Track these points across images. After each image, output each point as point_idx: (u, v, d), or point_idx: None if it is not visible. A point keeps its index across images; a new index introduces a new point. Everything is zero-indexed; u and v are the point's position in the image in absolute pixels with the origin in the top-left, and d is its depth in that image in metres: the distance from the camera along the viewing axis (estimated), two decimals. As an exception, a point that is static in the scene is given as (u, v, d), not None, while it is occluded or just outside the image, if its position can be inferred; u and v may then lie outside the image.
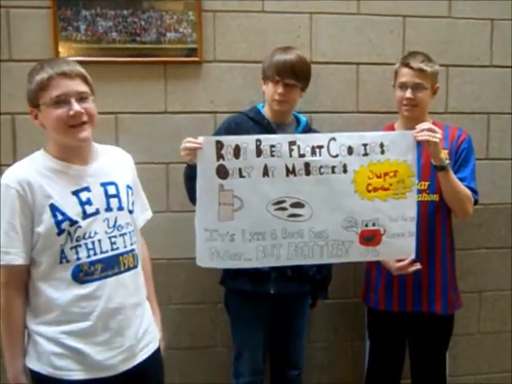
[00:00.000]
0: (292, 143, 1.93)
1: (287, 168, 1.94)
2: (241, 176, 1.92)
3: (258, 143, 1.92)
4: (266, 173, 1.93)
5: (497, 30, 2.64)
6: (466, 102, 2.66)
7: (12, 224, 1.58)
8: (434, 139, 1.95)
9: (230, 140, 1.92)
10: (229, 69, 2.50)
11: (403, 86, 2.18)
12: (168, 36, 2.42)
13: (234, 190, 1.93)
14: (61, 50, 2.35)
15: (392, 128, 2.31)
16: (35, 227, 1.60)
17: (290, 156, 1.93)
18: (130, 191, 1.79)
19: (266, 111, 2.24)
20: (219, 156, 1.91)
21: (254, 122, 2.20)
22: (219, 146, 1.90)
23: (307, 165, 1.94)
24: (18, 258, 1.60)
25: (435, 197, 2.18)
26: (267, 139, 1.94)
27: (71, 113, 1.60)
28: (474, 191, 2.17)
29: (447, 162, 2.04)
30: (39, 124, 1.66)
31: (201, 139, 1.91)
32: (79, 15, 2.35)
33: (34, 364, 1.65)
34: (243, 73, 2.51)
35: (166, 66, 2.46)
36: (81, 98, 1.63)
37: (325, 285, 2.38)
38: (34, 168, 1.63)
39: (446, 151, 2.12)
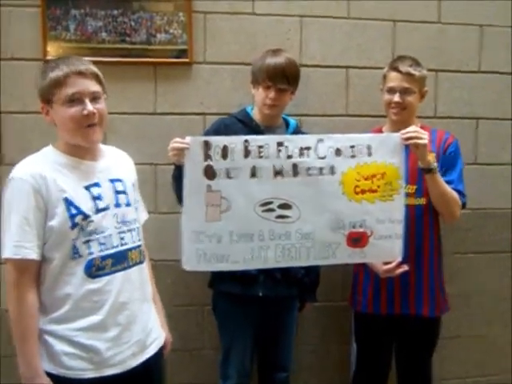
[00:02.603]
0: (280, 144, 1.93)
1: (275, 169, 1.93)
2: (228, 177, 1.91)
3: (246, 144, 1.91)
4: (253, 174, 1.93)
5: (486, 35, 2.65)
6: (455, 106, 2.67)
7: (26, 218, 1.57)
8: (421, 141, 1.95)
9: (217, 140, 1.92)
10: (218, 70, 2.50)
11: (391, 90, 2.18)
12: (158, 37, 2.40)
13: (221, 191, 1.92)
14: (49, 49, 2.33)
15: (380, 131, 2.30)
16: (48, 221, 1.59)
17: (278, 157, 1.93)
18: (134, 189, 1.82)
19: (255, 114, 2.23)
20: (207, 156, 1.90)
21: (243, 125, 2.20)
22: (207, 146, 1.89)
23: (295, 166, 1.93)
24: (32, 253, 1.58)
25: (423, 200, 2.18)
26: (255, 140, 1.93)
27: (85, 112, 1.61)
28: (461, 194, 2.17)
29: (434, 164, 2.04)
30: (49, 121, 1.66)
31: (188, 139, 1.90)
32: (69, 14, 2.33)
33: (45, 365, 1.63)
34: (233, 75, 2.50)
35: (156, 66, 2.45)
36: (94, 97, 1.64)
37: (313, 288, 2.38)
38: (46, 162, 1.63)
39: (434, 154, 2.12)
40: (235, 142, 1.91)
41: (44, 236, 1.60)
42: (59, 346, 1.63)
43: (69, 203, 1.60)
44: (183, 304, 2.59)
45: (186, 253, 1.97)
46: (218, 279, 2.24)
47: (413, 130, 1.98)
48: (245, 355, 2.27)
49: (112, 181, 1.73)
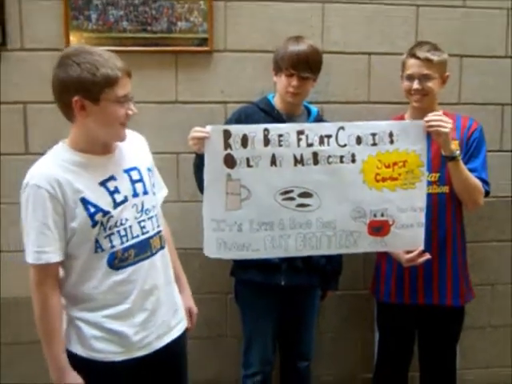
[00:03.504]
0: (300, 132, 1.92)
1: (295, 157, 1.93)
2: (248, 165, 1.92)
3: (266, 133, 1.91)
4: (273, 162, 1.92)
5: (514, 19, 2.60)
6: (479, 93, 2.62)
7: (45, 223, 1.58)
8: (444, 129, 1.93)
9: (237, 129, 1.92)
10: (239, 58, 2.49)
11: (410, 78, 2.16)
12: (179, 25, 2.40)
13: (241, 180, 1.92)
14: (72, 38, 2.35)
15: (402, 118, 2.28)
16: (69, 223, 1.61)
17: (298, 145, 1.92)
18: (150, 174, 1.82)
19: (277, 102, 2.22)
20: (227, 145, 1.90)
21: (264, 113, 2.19)
22: (227, 135, 1.90)
23: (315, 154, 1.93)
24: (54, 256, 1.61)
25: (445, 188, 2.16)
26: (275, 128, 1.93)
27: (130, 113, 1.64)
28: (485, 182, 2.15)
29: (457, 152, 2.02)
30: (82, 116, 1.61)
31: (208, 128, 1.91)
32: (90, 4, 2.34)
33: (75, 347, 1.69)
34: (254, 62, 2.49)
35: (177, 55, 2.45)
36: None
37: (335, 276, 2.37)
38: (59, 164, 1.62)
39: (457, 142, 2.10)
40: (255, 130, 1.91)
41: (66, 236, 1.62)
42: (90, 331, 1.67)
43: (86, 203, 1.61)
44: (206, 292, 2.60)
45: (207, 240, 1.99)
46: (240, 267, 2.25)
47: (437, 117, 1.95)
48: (266, 344, 2.29)
49: (127, 171, 1.73)
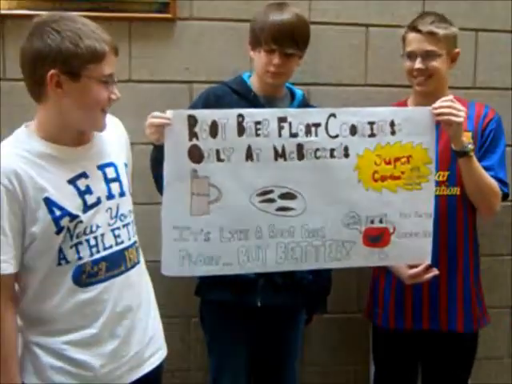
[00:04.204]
0: (282, 120, 1.92)
1: (276, 150, 1.93)
2: (218, 159, 1.91)
3: (240, 119, 1.91)
4: (249, 156, 1.92)
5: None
6: (498, 75, 2.65)
7: (0, 226, 1.56)
8: (456, 119, 1.94)
9: (205, 115, 1.91)
10: (209, 28, 2.49)
11: (412, 55, 2.17)
12: (134, -13, 2.41)
13: (209, 177, 1.92)
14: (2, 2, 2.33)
15: (404, 105, 2.30)
16: (28, 227, 1.59)
17: (280, 136, 1.92)
18: (127, 171, 1.83)
19: (254, 82, 2.22)
20: (192, 134, 1.89)
21: (238, 96, 2.19)
22: (192, 121, 1.89)
23: (300, 147, 1.93)
24: (9, 266, 1.59)
25: (456, 190, 2.18)
26: (251, 114, 1.92)
27: (114, 97, 1.67)
28: (502, 183, 2.16)
29: (470, 146, 2.03)
30: (58, 94, 1.59)
31: (170, 113, 1.89)
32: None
33: (30, 378, 1.67)
34: (226, 34, 2.49)
35: (131, 23, 2.45)
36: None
37: (323, 296, 2.38)
38: (21, 155, 1.60)
39: (470, 134, 2.12)
40: (227, 116, 1.91)
41: (23, 244, 1.61)
42: (48, 359, 1.66)
43: (51, 204, 1.60)
44: (165, 315, 2.55)
45: (167, 254, 1.97)
46: (207, 285, 2.23)
47: (447, 103, 1.96)
48: (238, 378, 2.27)
49: (101, 167, 1.73)
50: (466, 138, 2.04)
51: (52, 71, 1.56)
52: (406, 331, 2.27)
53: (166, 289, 2.50)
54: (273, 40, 2.08)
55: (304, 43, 2.16)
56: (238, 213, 1.95)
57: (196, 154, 1.90)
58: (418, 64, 2.14)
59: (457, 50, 2.22)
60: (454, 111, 1.94)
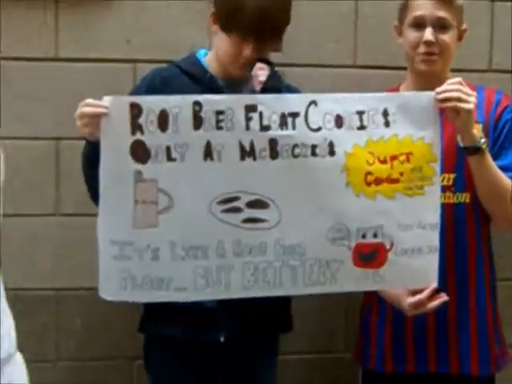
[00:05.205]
0: (250, 108, 1.93)
1: (242, 147, 1.94)
2: (169, 159, 1.92)
3: (197, 108, 1.91)
4: (208, 154, 1.93)
5: None
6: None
7: None
8: (466, 105, 1.94)
9: (152, 103, 1.92)
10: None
11: (419, 24, 2.15)
12: None
13: (158, 181, 1.93)
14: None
15: (397, 91, 2.30)
16: None
17: (247, 129, 1.93)
18: None
19: (210, 62, 2.21)
20: (135, 127, 1.90)
21: (190, 78, 2.19)
22: (136, 111, 1.90)
23: (274, 142, 1.94)
24: None
25: (465, 197, 2.21)
26: (211, 102, 1.93)
27: None
28: (522, 186, 2.16)
29: (482, 140, 2.03)
30: None
31: (107, 100, 1.90)
32: None
33: None
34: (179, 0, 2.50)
35: (57, -14, 2.45)
36: None
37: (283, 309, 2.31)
38: None
39: (480, 126, 2.13)
40: (179, 104, 1.91)
41: None
42: None
43: None
44: (100, 357, 2.59)
45: (105, 274, 1.98)
46: (154, 317, 2.23)
47: (456, 86, 1.96)
48: None
49: None
50: (477, 132, 2.04)
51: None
52: (406, 375, 2.27)
53: (101, 322, 2.54)
54: (247, 28, 2.02)
55: (286, 24, 2.13)
56: (193, 225, 1.96)
57: (140, 152, 1.91)
58: (428, 34, 2.11)
59: (464, 27, 2.23)
60: (463, 96, 1.93)
